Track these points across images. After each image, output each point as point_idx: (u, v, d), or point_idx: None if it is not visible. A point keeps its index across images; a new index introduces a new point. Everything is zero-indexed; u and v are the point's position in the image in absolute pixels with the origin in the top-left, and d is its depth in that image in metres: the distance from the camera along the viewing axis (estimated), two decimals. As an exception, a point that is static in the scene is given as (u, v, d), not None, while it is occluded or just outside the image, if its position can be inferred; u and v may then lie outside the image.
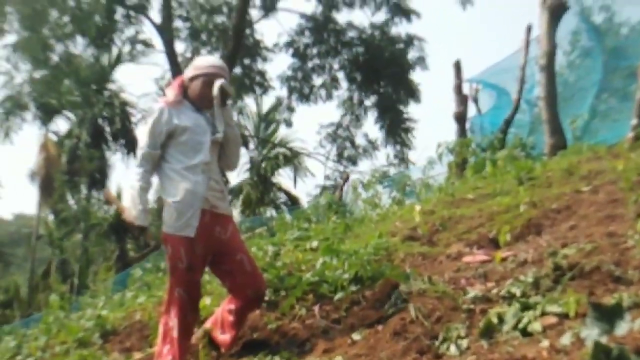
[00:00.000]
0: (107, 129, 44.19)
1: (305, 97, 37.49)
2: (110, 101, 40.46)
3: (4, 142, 39.37)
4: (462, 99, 15.48)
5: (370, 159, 38.91)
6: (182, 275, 5.52)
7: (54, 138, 46.86)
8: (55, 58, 32.47)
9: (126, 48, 35.23)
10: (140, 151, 5.66)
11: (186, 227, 5.45)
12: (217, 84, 5.75)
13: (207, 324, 6.08)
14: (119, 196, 44.92)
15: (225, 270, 5.79)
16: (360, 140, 39.16)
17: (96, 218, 42.69)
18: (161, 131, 5.64)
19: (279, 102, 39.06)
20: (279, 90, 38.45)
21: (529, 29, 14.72)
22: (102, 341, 8.19)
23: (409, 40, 36.00)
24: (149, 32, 35.02)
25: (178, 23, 34.47)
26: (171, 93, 5.85)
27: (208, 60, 6.07)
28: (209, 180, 5.66)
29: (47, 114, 42.34)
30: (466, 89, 16.87)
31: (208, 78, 5.89)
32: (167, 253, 5.61)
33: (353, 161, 38.55)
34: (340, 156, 38.80)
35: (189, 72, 5.94)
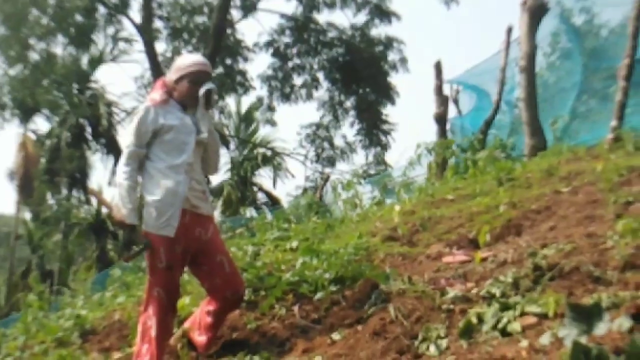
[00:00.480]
0: (88, 128, 44.12)
1: (285, 97, 37.48)
2: (91, 101, 40.34)
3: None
4: (442, 100, 15.49)
5: (347, 160, 38.93)
6: (161, 274, 5.51)
7: (33, 137, 46.71)
8: (34, 57, 32.36)
9: (108, 47, 35.16)
10: (126, 149, 5.67)
11: (166, 226, 5.45)
12: (204, 87, 5.77)
13: (186, 324, 6.06)
14: (100, 193, 44.95)
15: (204, 270, 5.79)
16: (338, 142, 39.21)
17: (76, 218, 42.60)
18: (147, 130, 5.66)
19: (259, 103, 38.98)
20: (259, 90, 38.39)
21: (509, 31, 14.76)
22: (81, 341, 8.16)
23: (388, 43, 36.03)
24: (129, 32, 34.79)
25: (159, 23, 34.43)
26: (156, 94, 5.86)
27: (191, 58, 6.12)
28: (191, 181, 5.67)
29: (25, 113, 42.19)
30: (447, 90, 16.91)
31: (194, 76, 5.90)
32: (146, 252, 5.58)
33: (331, 162, 38.56)
34: (318, 157, 38.80)
35: (173, 75, 5.92)
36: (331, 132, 38.99)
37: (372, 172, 34.09)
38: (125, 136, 5.73)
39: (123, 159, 5.65)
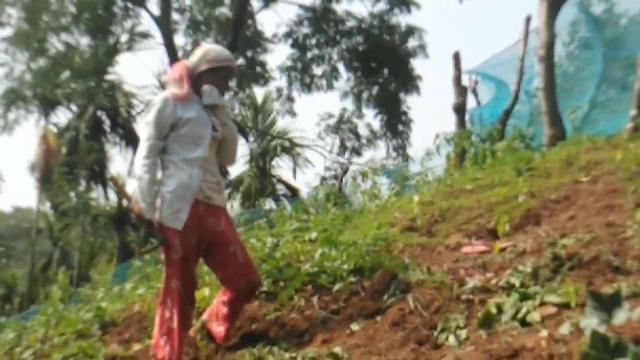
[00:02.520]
0: (107, 120, 44.19)
1: (306, 87, 37.43)
2: (110, 93, 40.37)
3: (10, 133, 39.37)
4: (461, 91, 15.45)
5: (373, 149, 38.85)
6: (178, 265, 5.53)
7: (54, 130, 46.80)
8: (53, 49, 32.45)
9: (124, 39, 35.19)
10: (147, 142, 5.63)
11: (174, 219, 5.48)
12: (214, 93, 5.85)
13: (205, 316, 6.07)
14: (122, 184, 45.04)
15: (218, 261, 5.80)
16: (363, 131, 39.14)
17: (97, 210, 42.70)
18: (165, 123, 5.66)
19: (278, 93, 38.91)
20: (278, 81, 38.38)
21: (528, 20, 14.70)
22: (101, 332, 8.19)
23: (409, 31, 35.91)
24: (147, 25, 34.93)
25: (176, 16, 34.47)
26: (179, 87, 5.84)
27: (225, 53, 6.10)
28: (205, 173, 5.67)
29: (46, 106, 42.28)
30: (465, 81, 16.88)
31: (227, 72, 6.01)
32: (159, 247, 5.62)
33: (357, 152, 38.50)
34: (343, 147, 38.77)
35: (201, 65, 5.91)
36: (354, 122, 38.97)
37: (391, 163, 34.03)
38: (144, 128, 5.67)
39: (143, 152, 5.61)
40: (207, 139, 5.76)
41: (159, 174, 5.66)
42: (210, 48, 6.04)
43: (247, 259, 5.85)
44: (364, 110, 38.75)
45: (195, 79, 5.89)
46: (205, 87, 5.81)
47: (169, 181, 5.59)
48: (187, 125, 5.70)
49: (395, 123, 37.52)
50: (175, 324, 5.51)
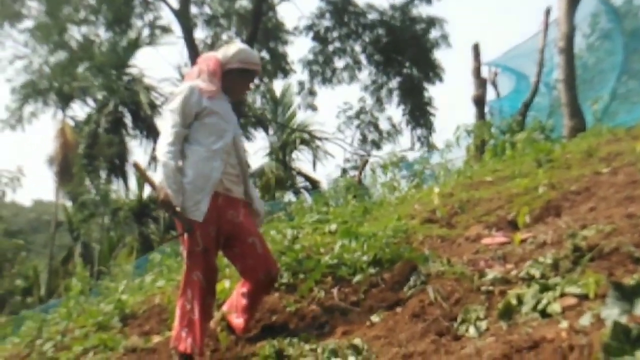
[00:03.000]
0: (127, 114, 44.34)
1: (327, 80, 37.41)
2: (130, 86, 40.47)
3: (24, 127, 39.51)
4: (480, 82, 15.42)
5: (393, 142, 38.82)
6: (199, 257, 5.56)
7: (71, 123, 46.96)
8: (73, 43, 32.53)
9: (145, 33, 35.22)
10: (172, 129, 5.64)
11: (194, 210, 5.50)
12: None
13: (224, 308, 6.10)
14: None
15: (237, 253, 5.83)
16: (383, 124, 39.11)
17: (117, 203, 42.85)
18: (190, 111, 5.69)
19: (300, 87, 38.84)
20: (299, 75, 38.48)
21: (547, 12, 14.67)
22: (121, 325, 8.22)
23: (430, 22, 35.84)
24: (167, 18, 34.92)
25: (196, 9, 34.51)
26: (211, 81, 5.89)
27: (255, 55, 6.17)
28: (226, 165, 5.69)
29: (64, 99, 42.41)
30: (485, 72, 16.83)
31: (251, 75, 6.11)
32: (183, 236, 5.63)
33: (377, 145, 38.47)
34: (363, 140, 38.74)
35: (232, 63, 5.96)
36: (375, 115, 38.93)
37: (415, 153, 34.00)
38: (169, 115, 5.68)
39: (168, 138, 5.61)
40: (231, 132, 5.82)
41: (183, 164, 5.65)
42: (243, 48, 6.08)
43: (266, 251, 5.89)
44: (385, 103, 38.70)
45: (223, 74, 5.92)
46: None
47: (188, 171, 5.60)
48: (212, 116, 5.75)
49: (419, 112, 37.45)
50: (196, 316, 5.52)
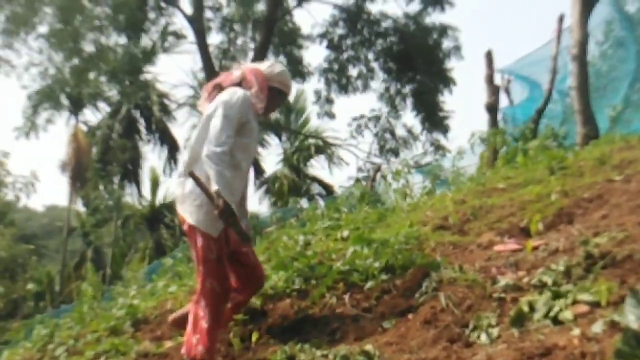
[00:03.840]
0: (141, 119, 44.47)
1: (343, 88, 37.45)
2: (144, 92, 40.57)
3: (44, 130, 39.76)
4: (493, 90, 15.40)
5: (410, 149, 38.84)
6: (213, 265, 5.63)
7: (84, 128, 47.11)
8: (87, 49, 32.66)
9: (158, 40, 35.34)
10: (228, 139, 5.59)
11: (211, 225, 5.58)
12: None
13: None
14: (155, 183, 45.26)
15: (234, 261, 6.00)
16: (400, 131, 39.12)
17: (130, 209, 42.98)
18: (240, 121, 5.73)
19: (317, 96, 38.81)
20: (315, 83, 38.68)
21: (561, 19, 14.64)
22: (133, 330, 8.28)
23: (443, 30, 35.86)
24: (180, 24, 34.98)
25: (210, 13, 34.56)
26: (259, 98, 5.93)
27: (290, 79, 6.29)
28: (244, 188, 5.96)
29: (76, 105, 42.61)
30: (498, 80, 16.83)
31: (284, 98, 6.30)
32: (195, 244, 5.72)
33: (394, 152, 38.48)
34: (380, 147, 38.76)
35: (274, 82, 6.05)
36: (391, 122, 38.94)
37: (429, 159, 34.02)
38: (225, 122, 5.63)
39: (224, 147, 5.55)
40: (254, 152, 6.08)
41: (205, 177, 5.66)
42: (285, 70, 6.19)
43: (257, 260, 6.24)
44: (401, 110, 38.72)
45: (264, 92, 5.99)
46: None
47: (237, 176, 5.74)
48: (251, 134, 5.85)
49: (433, 118, 37.47)
50: (208, 324, 5.60)
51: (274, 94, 6.03)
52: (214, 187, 5.44)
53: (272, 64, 6.19)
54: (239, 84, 6.01)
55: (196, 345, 5.59)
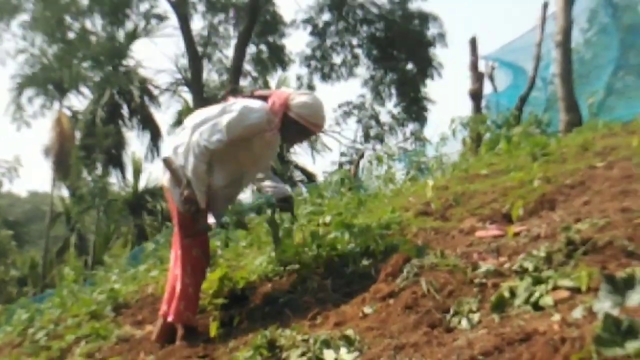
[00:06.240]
0: (124, 105, 44.39)
1: (326, 76, 37.48)
2: (126, 77, 40.47)
3: (42, 116, 39.84)
4: (477, 76, 15.43)
5: (395, 135, 38.95)
6: (201, 237, 6.15)
7: (68, 113, 47.00)
8: (70, 34, 32.58)
9: (141, 23, 35.28)
10: (218, 141, 5.83)
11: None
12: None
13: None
14: (138, 169, 45.19)
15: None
16: (384, 117, 39.21)
17: (112, 194, 42.95)
18: (247, 134, 5.97)
19: (299, 82, 38.89)
20: (298, 69, 38.67)
21: (545, 5, 14.65)
22: (114, 314, 8.31)
23: (424, 19, 35.91)
24: (163, 8, 34.99)
25: (194, -1, 34.54)
26: (270, 120, 6.04)
27: (317, 116, 6.20)
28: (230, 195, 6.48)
29: (60, 90, 42.48)
30: (482, 67, 16.83)
31: (309, 135, 6.40)
32: (185, 214, 6.04)
33: (380, 139, 38.56)
34: (366, 135, 38.84)
35: (293, 112, 6.05)
36: (375, 109, 39.04)
37: (409, 147, 34.16)
38: (224, 128, 5.87)
39: (210, 144, 5.82)
40: (250, 174, 6.56)
41: (217, 168, 6.10)
42: (312, 104, 6.13)
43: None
44: (386, 97, 38.78)
45: (284, 115, 6.03)
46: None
47: (219, 181, 6.13)
48: (249, 151, 6.18)
49: (414, 108, 37.54)
50: (192, 289, 6.09)
51: (293, 124, 6.04)
52: (187, 174, 5.85)
53: (301, 94, 6.16)
54: (266, 98, 6.10)
55: (184, 311, 6.04)
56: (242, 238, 9.80)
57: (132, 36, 35.31)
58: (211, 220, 6.27)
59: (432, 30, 36.07)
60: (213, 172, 5.98)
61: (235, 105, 5.99)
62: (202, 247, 6.20)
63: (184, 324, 6.12)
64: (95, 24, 33.09)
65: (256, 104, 6.03)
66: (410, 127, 38.24)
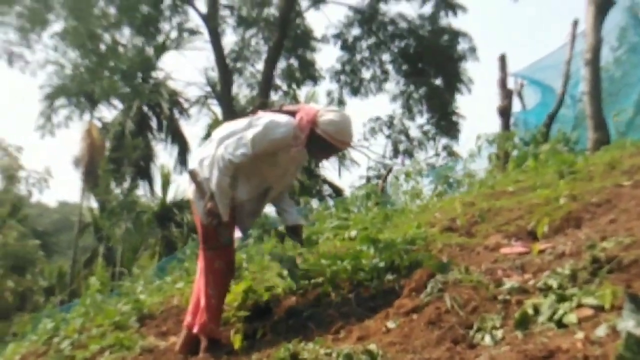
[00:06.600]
0: (152, 117, 44.59)
1: (355, 90, 37.51)
2: (155, 90, 40.66)
3: (66, 127, 40.16)
4: (506, 93, 15.38)
5: (425, 150, 38.90)
6: (224, 248, 6.21)
7: (99, 124, 47.28)
8: (101, 47, 32.78)
9: (172, 36, 35.43)
10: (242, 156, 5.85)
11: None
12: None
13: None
14: (166, 181, 45.31)
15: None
16: (414, 133, 39.16)
17: (141, 206, 43.10)
18: (272, 149, 5.98)
19: (329, 98, 38.90)
20: (328, 84, 38.75)
21: (575, 24, 14.62)
22: (138, 325, 8.33)
23: (454, 36, 35.88)
24: (194, 23, 35.13)
25: (225, 12, 34.62)
26: (298, 136, 6.02)
27: (344, 133, 6.15)
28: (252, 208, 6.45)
29: (91, 101, 42.75)
30: (511, 84, 16.80)
31: (335, 151, 6.37)
32: (209, 226, 6.07)
33: (409, 153, 38.50)
34: (395, 150, 38.79)
35: (326, 134, 6.02)
36: (404, 124, 38.98)
37: (441, 162, 34.07)
38: (249, 142, 5.89)
39: (235, 158, 5.85)
40: (273, 189, 6.49)
41: (243, 181, 6.14)
42: (338, 121, 6.08)
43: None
44: (416, 112, 38.74)
45: (311, 130, 6.02)
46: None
47: (244, 193, 6.15)
48: (276, 168, 6.22)
49: (445, 122, 37.50)
50: (216, 301, 6.13)
51: (319, 140, 6.02)
52: (211, 187, 5.89)
53: (329, 110, 6.15)
54: (294, 113, 6.11)
55: (208, 323, 6.06)
56: (267, 250, 9.81)
57: (162, 48, 35.47)
58: (238, 233, 6.33)
59: (462, 45, 36.07)
60: (237, 186, 5.97)
61: (262, 119, 5.99)
62: (226, 259, 6.20)
63: (207, 336, 6.14)
64: (125, 35, 33.30)
65: (283, 118, 6.02)
66: (443, 141, 38.22)
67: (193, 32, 35.36)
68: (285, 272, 6.96)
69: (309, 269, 6.93)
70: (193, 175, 6.08)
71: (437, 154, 37.15)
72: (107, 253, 46.87)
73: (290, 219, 6.77)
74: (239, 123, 6.09)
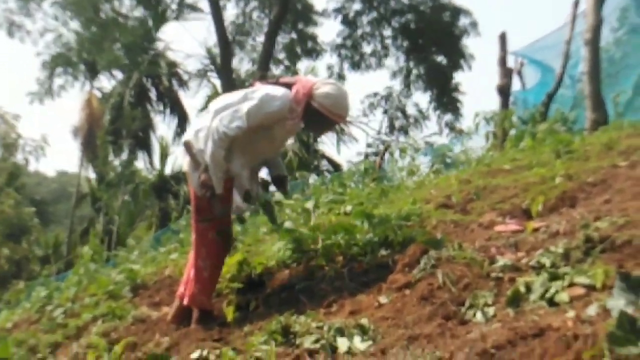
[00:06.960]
0: (151, 88, 44.48)
1: (355, 65, 37.50)
2: (155, 60, 40.55)
3: (54, 98, 39.99)
4: (506, 72, 15.36)
5: (420, 128, 38.93)
6: (220, 221, 6.16)
7: (98, 95, 47.19)
8: (102, 16, 32.71)
9: (172, 6, 35.33)
10: (237, 128, 5.82)
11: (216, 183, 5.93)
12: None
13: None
14: (165, 152, 45.27)
15: None
16: (410, 110, 39.18)
17: (139, 177, 43.09)
18: (267, 122, 5.97)
19: (329, 72, 38.90)
20: (328, 59, 38.71)
21: (575, 3, 14.58)
22: (131, 295, 8.35)
23: (455, 12, 35.82)
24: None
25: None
26: (294, 110, 5.99)
27: (340, 106, 6.12)
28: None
29: (91, 71, 42.65)
30: (511, 62, 16.77)
31: (331, 125, 6.33)
32: (202, 198, 6.06)
33: (405, 131, 38.54)
34: (391, 126, 38.82)
35: (315, 102, 6.00)
36: (402, 101, 39.02)
37: (443, 140, 34.10)
38: (245, 115, 5.87)
39: (230, 131, 5.82)
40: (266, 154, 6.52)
41: (237, 155, 6.13)
42: (335, 94, 6.04)
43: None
44: (415, 88, 38.78)
45: (306, 104, 6.00)
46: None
47: (239, 162, 6.12)
48: (270, 140, 6.24)
49: (446, 98, 37.51)
50: (207, 273, 6.10)
51: (315, 113, 6.00)
52: (206, 159, 5.85)
53: (325, 83, 6.14)
54: (291, 86, 6.07)
55: (198, 295, 6.07)
56: (262, 224, 9.81)
57: (162, 19, 35.39)
58: (238, 202, 6.30)
59: (463, 21, 36.05)
60: (232, 159, 5.96)
61: (258, 92, 5.97)
62: (221, 230, 6.17)
63: (197, 307, 6.17)
64: (125, 4, 33.21)
65: (279, 91, 6.00)
66: (441, 117, 38.25)
67: (193, 8, 35.30)
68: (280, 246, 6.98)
69: (302, 238, 6.93)
70: (188, 146, 6.06)
71: (439, 132, 37.17)
72: (104, 224, 46.88)
73: (276, 169, 6.83)
74: (235, 95, 6.07)
